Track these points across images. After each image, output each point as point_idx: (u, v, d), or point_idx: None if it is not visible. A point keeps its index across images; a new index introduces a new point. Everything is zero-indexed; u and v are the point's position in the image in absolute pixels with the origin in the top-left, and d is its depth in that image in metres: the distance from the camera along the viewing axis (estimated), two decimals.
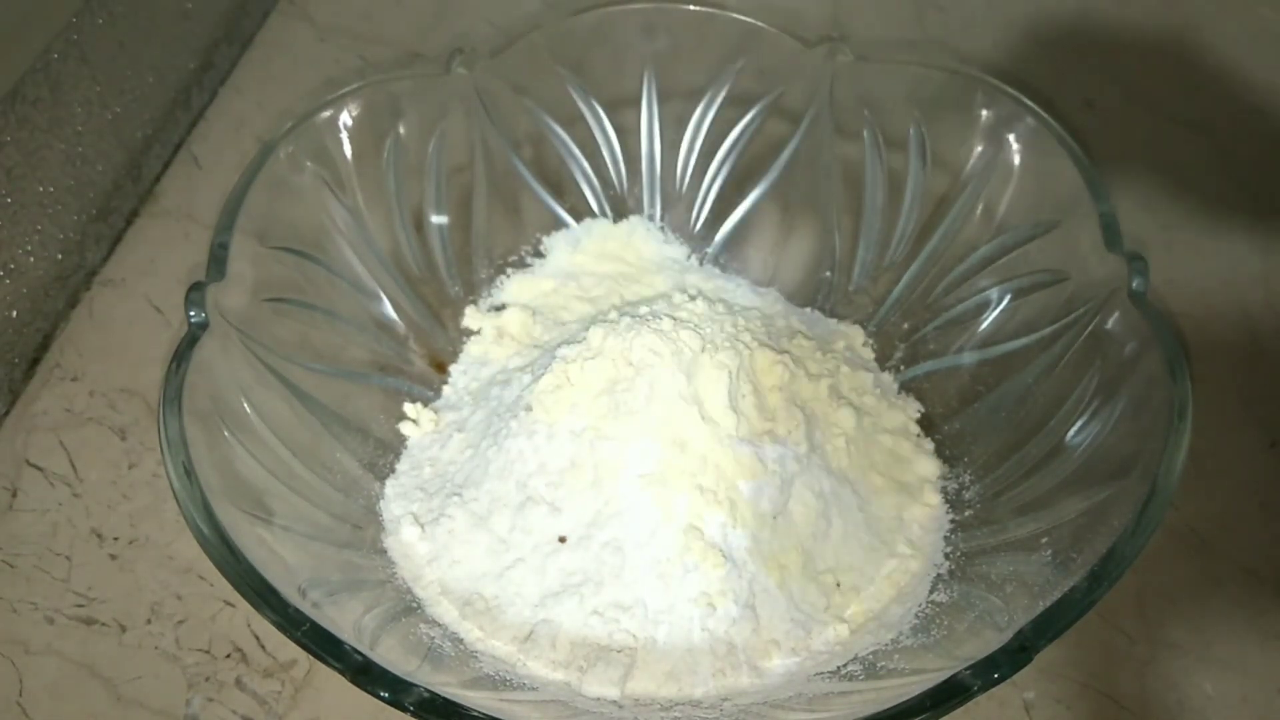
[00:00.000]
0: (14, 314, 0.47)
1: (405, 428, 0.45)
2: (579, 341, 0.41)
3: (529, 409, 0.40)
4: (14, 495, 0.44)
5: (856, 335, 0.49)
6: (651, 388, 0.39)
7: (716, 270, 0.51)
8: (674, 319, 0.41)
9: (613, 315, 0.43)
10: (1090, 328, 0.40)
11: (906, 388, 0.47)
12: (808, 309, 0.50)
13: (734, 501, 0.38)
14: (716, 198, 0.52)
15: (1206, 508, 0.44)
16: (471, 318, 0.49)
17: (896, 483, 0.42)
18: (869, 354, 0.48)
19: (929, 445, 0.44)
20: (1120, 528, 0.32)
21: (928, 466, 0.43)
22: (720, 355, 0.39)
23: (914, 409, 0.45)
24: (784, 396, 0.40)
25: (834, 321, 0.49)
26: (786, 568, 0.38)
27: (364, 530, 0.40)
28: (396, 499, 0.42)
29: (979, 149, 0.46)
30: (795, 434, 0.39)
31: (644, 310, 0.43)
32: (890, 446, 0.43)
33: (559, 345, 0.43)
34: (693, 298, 0.45)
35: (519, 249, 0.51)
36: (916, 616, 0.38)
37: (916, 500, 0.42)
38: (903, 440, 0.43)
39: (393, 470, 0.44)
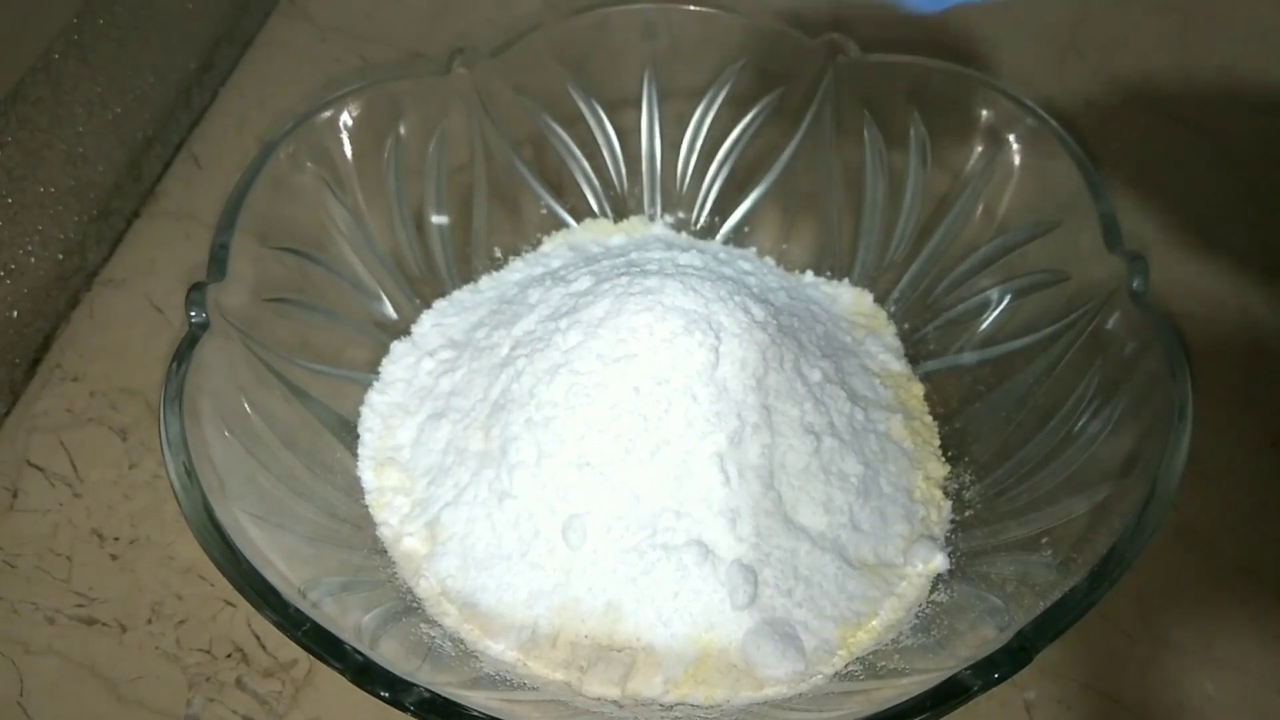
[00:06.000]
0: (15, 314, 0.47)
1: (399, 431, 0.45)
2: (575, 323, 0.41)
3: (529, 403, 0.40)
4: (15, 495, 0.44)
5: (864, 299, 0.49)
6: (656, 387, 0.39)
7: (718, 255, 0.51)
8: (682, 310, 0.40)
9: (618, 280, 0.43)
10: (1091, 328, 0.40)
11: None
12: (809, 273, 0.50)
13: (734, 501, 0.38)
14: (717, 198, 0.52)
15: (1207, 507, 0.44)
16: None
17: (897, 483, 0.42)
18: (882, 320, 0.48)
19: (934, 443, 0.44)
20: (1121, 528, 0.32)
21: (930, 465, 0.43)
22: (727, 348, 0.39)
23: (920, 388, 0.46)
24: (786, 390, 0.40)
25: (835, 283, 0.50)
26: (787, 566, 0.38)
27: (364, 530, 0.40)
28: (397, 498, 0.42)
29: (979, 149, 0.46)
30: (795, 431, 0.39)
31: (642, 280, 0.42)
32: (892, 442, 0.43)
33: (549, 320, 0.42)
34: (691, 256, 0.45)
35: (519, 249, 0.51)
36: (917, 616, 0.38)
37: (917, 500, 0.42)
38: (905, 436, 0.43)
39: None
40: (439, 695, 0.30)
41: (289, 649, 0.40)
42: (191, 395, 0.35)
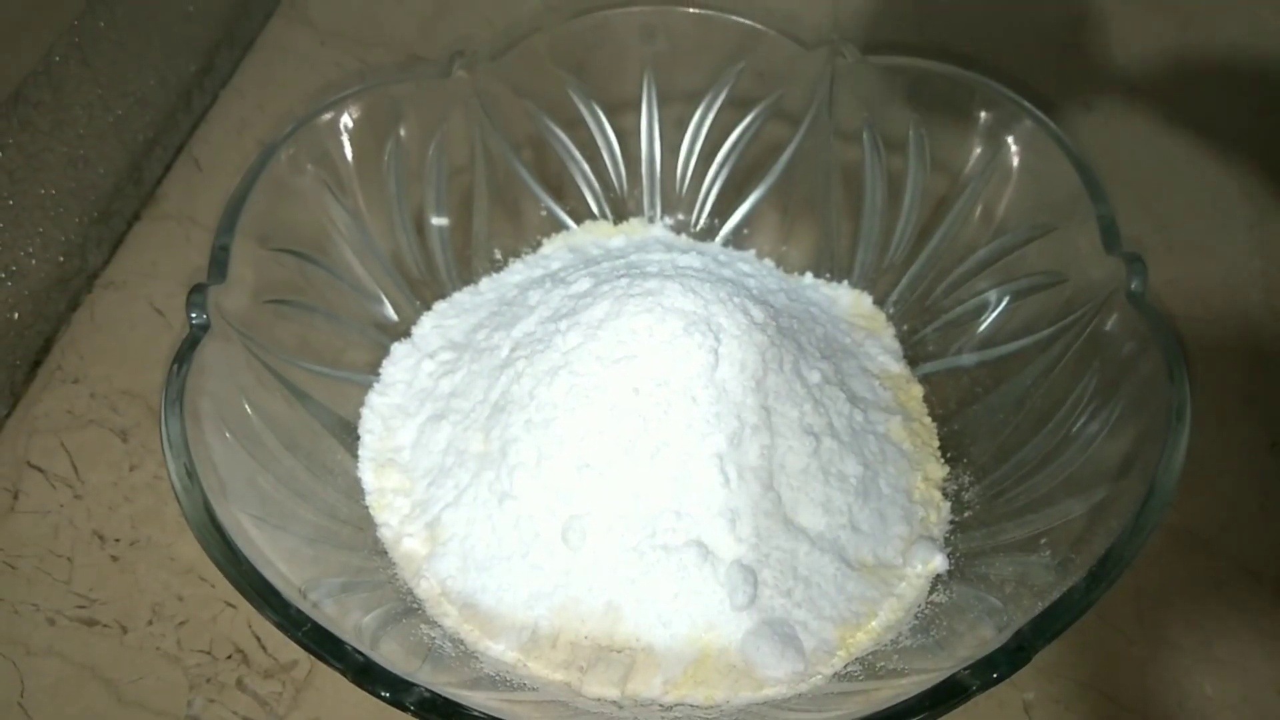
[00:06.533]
0: (15, 316, 0.47)
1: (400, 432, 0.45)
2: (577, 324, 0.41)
3: (529, 404, 0.40)
4: (15, 497, 0.45)
5: (863, 300, 0.49)
6: (656, 388, 0.39)
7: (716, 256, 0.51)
8: (681, 312, 0.40)
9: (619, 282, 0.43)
10: (1089, 329, 0.40)
11: None
12: (808, 275, 0.50)
13: (734, 502, 0.38)
14: (716, 200, 0.52)
15: (1206, 508, 0.44)
16: None
17: (896, 484, 0.42)
18: (881, 322, 0.48)
19: (933, 444, 0.44)
20: (1119, 528, 0.32)
21: (929, 466, 0.43)
22: (726, 350, 0.39)
23: (919, 390, 0.46)
24: (785, 392, 0.40)
25: (834, 285, 0.50)
26: (786, 567, 0.38)
27: (364, 532, 0.41)
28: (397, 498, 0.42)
29: (978, 151, 0.46)
30: (795, 432, 0.39)
31: (641, 282, 0.42)
32: (891, 443, 0.43)
33: (550, 321, 0.43)
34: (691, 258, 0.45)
35: (519, 251, 0.51)
36: (916, 617, 0.38)
37: (917, 500, 0.42)
38: (905, 437, 0.43)
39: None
40: (439, 695, 0.30)
41: (289, 650, 0.40)
42: (192, 397, 0.35)
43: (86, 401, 0.48)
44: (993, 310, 0.45)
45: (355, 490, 0.42)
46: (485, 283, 0.50)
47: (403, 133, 0.47)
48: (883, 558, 0.40)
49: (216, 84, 0.61)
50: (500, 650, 0.37)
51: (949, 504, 0.42)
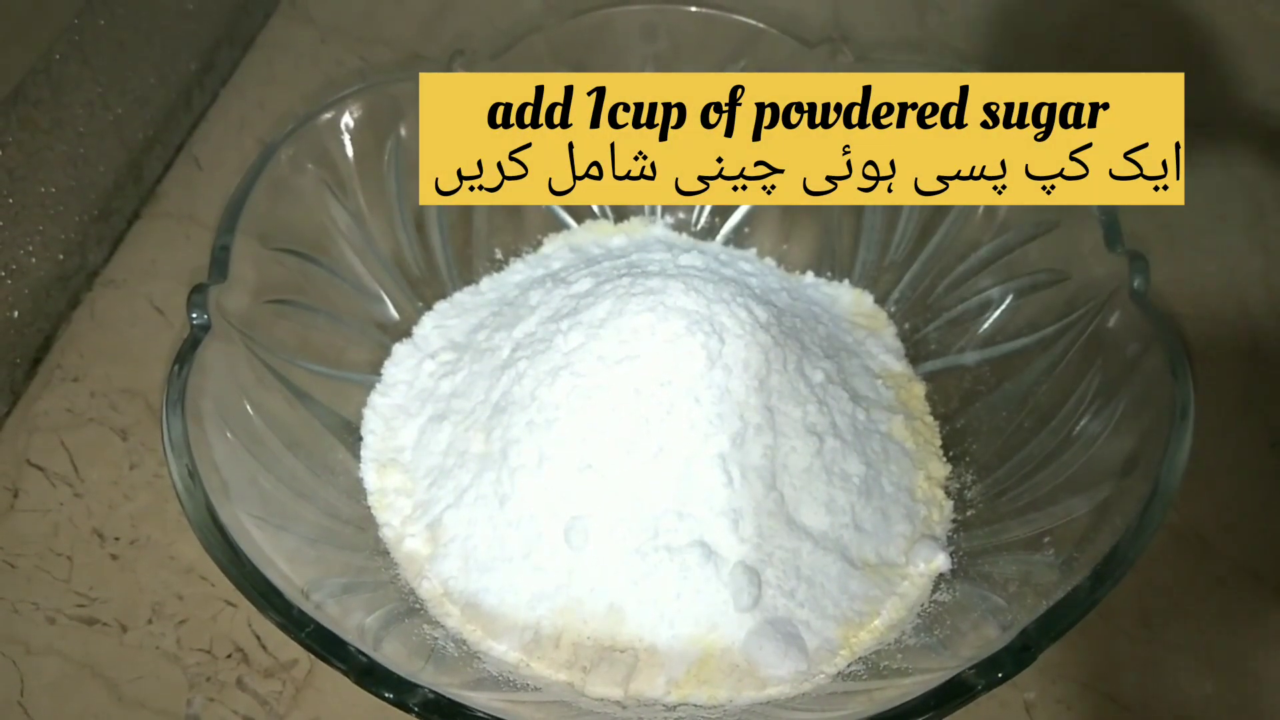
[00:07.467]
0: (15, 314, 0.47)
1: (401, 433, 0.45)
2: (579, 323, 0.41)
3: (530, 405, 0.40)
4: (15, 495, 0.44)
5: (864, 299, 0.49)
6: (658, 388, 0.39)
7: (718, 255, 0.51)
8: (684, 311, 0.40)
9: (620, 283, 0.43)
10: (1091, 327, 0.40)
11: None
12: (809, 274, 0.50)
13: (736, 502, 0.38)
14: None
15: (1207, 507, 0.44)
16: None
17: (899, 483, 0.42)
18: (882, 320, 0.48)
19: (935, 443, 0.44)
20: (1123, 527, 0.32)
21: (931, 465, 0.43)
22: (729, 349, 0.39)
23: (921, 389, 0.46)
24: (788, 391, 0.40)
25: (835, 284, 0.50)
26: (789, 566, 0.38)
27: (366, 532, 0.40)
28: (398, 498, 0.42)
29: None
30: (798, 432, 0.39)
31: (644, 281, 0.42)
32: (894, 442, 0.43)
33: (553, 321, 0.42)
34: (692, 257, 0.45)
35: (520, 250, 0.51)
36: (919, 616, 0.38)
37: (919, 499, 0.42)
38: (907, 436, 0.43)
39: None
40: (442, 696, 0.30)
41: (289, 649, 0.40)
42: (194, 398, 0.35)
43: (86, 400, 0.47)
44: (995, 308, 0.45)
45: (357, 490, 0.42)
46: (486, 282, 0.50)
47: (403, 132, 0.47)
48: (885, 557, 0.40)
49: (216, 82, 0.61)
50: (503, 650, 0.37)
51: (951, 503, 0.42)
